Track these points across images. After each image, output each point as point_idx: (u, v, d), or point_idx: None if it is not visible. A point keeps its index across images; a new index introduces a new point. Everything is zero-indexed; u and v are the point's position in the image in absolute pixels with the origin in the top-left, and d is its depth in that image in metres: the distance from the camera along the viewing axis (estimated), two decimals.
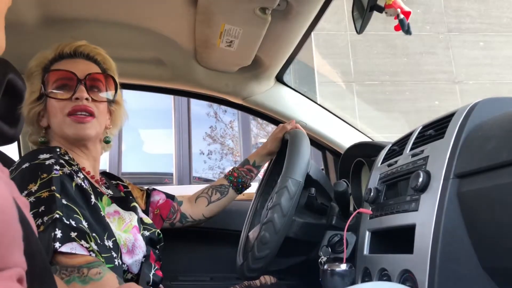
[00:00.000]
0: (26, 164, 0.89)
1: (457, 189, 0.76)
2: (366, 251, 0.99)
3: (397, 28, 1.04)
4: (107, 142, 1.12)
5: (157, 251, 1.07)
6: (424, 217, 0.79)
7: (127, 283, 0.83)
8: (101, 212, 0.92)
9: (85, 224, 0.85)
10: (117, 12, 1.24)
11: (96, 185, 1.03)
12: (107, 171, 1.25)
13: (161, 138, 5.49)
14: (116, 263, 0.89)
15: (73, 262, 0.80)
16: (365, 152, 1.32)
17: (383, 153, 1.12)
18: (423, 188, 0.81)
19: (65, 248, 0.80)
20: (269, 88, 1.56)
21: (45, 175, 0.87)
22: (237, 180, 1.34)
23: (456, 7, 5.67)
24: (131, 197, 1.13)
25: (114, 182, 1.16)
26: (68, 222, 0.82)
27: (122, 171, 5.01)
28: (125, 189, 1.17)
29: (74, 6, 1.20)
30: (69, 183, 0.88)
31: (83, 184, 0.91)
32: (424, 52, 5.50)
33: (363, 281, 0.97)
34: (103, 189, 1.05)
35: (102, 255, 0.86)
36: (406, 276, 0.81)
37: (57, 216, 0.81)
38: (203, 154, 5.50)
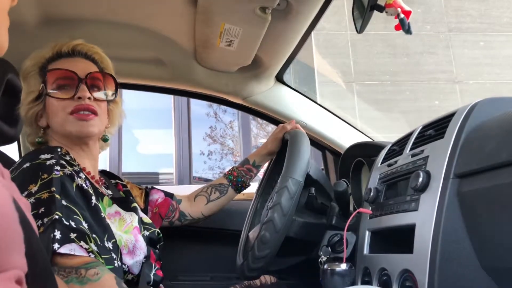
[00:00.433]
0: (27, 164, 0.89)
1: (457, 189, 0.76)
2: (366, 251, 1.00)
3: (397, 28, 1.04)
4: (105, 140, 1.12)
5: (157, 250, 1.07)
6: (424, 217, 0.79)
7: None
8: (102, 213, 0.92)
9: (85, 225, 0.85)
10: (117, 12, 1.24)
11: (97, 185, 1.03)
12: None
13: (161, 138, 5.49)
14: (116, 264, 0.88)
15: (71, 263, 0.80)
16: (365, 152, 1.32)
17: (383, 153, 1.12)
18: (423, 188, 0.81)
19: (64, 249, 0.79)
20: (269, 88, 1.56)
21: (45, 175, 0.86)
22: (236, 180, 1.34)
23: (456, 7, 5.67)
24: (131, 198, 1.12)
25: (113, 181, 1.16)
26: (67, 223, 0.82)
27: (122, 171, 5.01)
28: (124, 188, 1.17)
29: (74, 6, 1.20)
30: (70, 184, 0.88)
31: (83, 185, 0.91)
32: (424, 52, 5.50)
33: (363, 281, 0.97)
34: (103, 190, 1.05)
35: (102, 256, 0.85)
36: (406, 276, 0.81)
37: (57, 217, 0.81)
38: (203, 154, 5.50)
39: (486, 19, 5.64)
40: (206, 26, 1.18)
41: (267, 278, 1.32)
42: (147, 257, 1.00)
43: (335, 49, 5.39)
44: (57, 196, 0.84)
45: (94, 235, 0.85)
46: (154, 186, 1.31)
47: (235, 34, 1.18)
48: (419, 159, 0.88)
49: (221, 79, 1.50)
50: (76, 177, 0.90)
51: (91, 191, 0.93)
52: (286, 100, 1.59)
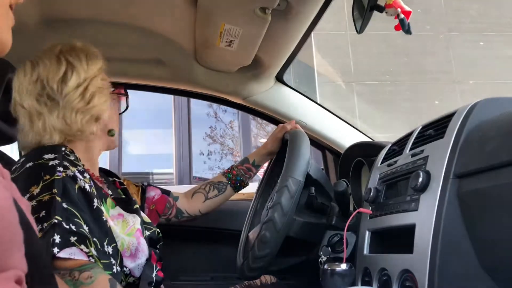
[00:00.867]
0: (30, 164, 0.88)
1: (456, 189, 0.76)
2: (366, 251, 1.00)
3: (397, 28, 1.04)
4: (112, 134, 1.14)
5: (157, 251, 1.07)
6: (424, 217, 0.79)
7: None
8: (103, 217, 0.90)
9: (85, 228, 0.84)
10: (117, 12, 1.24)
11: (100, 184, 1.02)
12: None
13: (161, 138, 5.50)
14: (115, 270, 0.87)
15: (66, 265, 0.79)
16: (365, 152, 1.32)
17: (383, 153, 1.12)
18: (423, 188, 0.81)
19: (64, 253, 0.78)
20: (269, 88, 1.56)
21: (47, 176, 0.85)
22: (235, 178, 1.34)
23: (456, 7, 5.67)
24: (133, 199, 1.12)
25: (110, 179, 1.16)
26: (68, 227, 0.81)
27: (122, 171, 5.01)
28: (121, 186, 1.16)
29: (74, 6, 1.20)
30: (72, 186, 0.87)
31: (86, 186, 0.90)
32: (424, 52, 5.50)
33: (363, 281, 0.97)
34: (106, 189, 1.04)
35: (101, 261, 0.84)
36: (406, 276, 0.81)
37: (56, 221, 0.80)
38: (203, 154, 5.50)
39: (486, 19, 5.64)
40: (206, 26, 1.18)
41: (267, 278, 1.32)
42: (148, 258, 1.00)
43: (335, 49, 5.39)
44: (58, 198, 0.83)
45: (94, 239, 0.85)
46: (150, 183, 1.31)
47: (235, 34, 1.18)
48: (419, 159, 0.88)
49: (221, 79, 1.50)
50: (79, 179, 0.89)
51: (95, 192, 0.92)
52: (286, 100, 1.59)
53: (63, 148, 0.92)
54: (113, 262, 0.88)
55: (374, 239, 1.00)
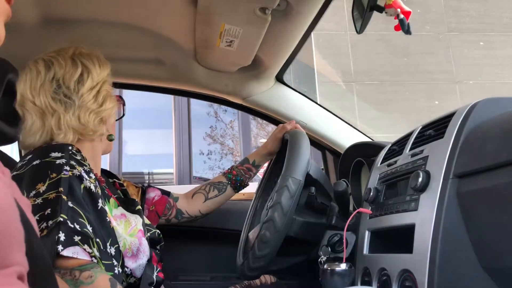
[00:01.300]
0: (37, 161, 0.88)
1: (456, 189, 0.76)
2: (365, 250, 1.00)
3: (397, 28, 1.04)
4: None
5: (158, 251, 1.07)
6: (424, 217, 0.79)
7: None
8: (107, 217, 0.91)
9: (89, 228, 0.84)
10: (117, 12, 1.24)
11: (103, 184, 1.03)
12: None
13: (161, 138, 5.50)
14: (116, 271, 0.88)
15: (66, 264, 0.80)
16: (365, 152, 1.32)
17: (382, 153, 1.12)
18: (423, 188, 0.81)
19: (67, 252, 0.79)
20: (269, 88, 1.56)
21: (54, 174, 0.86)
22: (235, 178, 1.34)
23: (456, 7, 5.67)
24: (136, 200, 1.12)
25: (110, 180, 1.16)
26: (72, 226, 0.81)
27: (122, 171, 5.02)
28: (121, 187, 1.17)
29: (74, 6, 1.20)
30: (78, 185, 0.87)
31: (91, 186, 0.90)
32: (424, 52, 5.50)
33: (362, 281, 0.97)
34: (109, 190, 1.05)
35: (103, 262, 0.85)
36: (406, 276, 0.81)
37: (61, 219, 0.80)
38: (203, 154, 5.50)
39: (486, 19, 5.65)
40: (206, 26, 1.18)
41: (267, 278, 1.32)
42: (149, 259, 1.00)
43: (335, 49, 5.39)
44: (64, 197, 0.83)
45: (97, 240, 0.85)
46: (151, 184, 1.31)
47: (235, 35, 1.18)
48: (418, 159, 0.88)
49: (221, 79, 1.50)
50: (84, 179, 0.89)
51: (99, 193, 0.92)
52: (286, 100, 1.59)
53: (70, 147, 0.92)
54: (115, 263, 0.88)
55: (374, 239, 1.00)
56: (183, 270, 1.59)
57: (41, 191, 0.84)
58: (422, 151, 0.89)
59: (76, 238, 0.81)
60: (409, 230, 0.82)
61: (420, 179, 0.81)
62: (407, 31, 1.03)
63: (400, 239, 0.85)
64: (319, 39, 5.31)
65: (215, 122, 5.67)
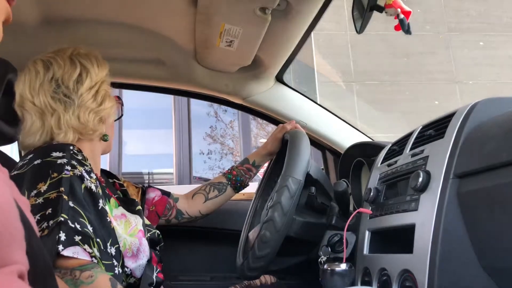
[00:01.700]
0: (38, 161, 0.88)
1: (456, 189, 0.76)
2: (366, 250, 1.00)
3: (397, 28, 1.04)
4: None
5: (157, 252, 1.07)
6: (424, 217, 0.79)
7: None
8: (108, 218, 0.91)
9: (90, 228, 0.84)
10: (117, 12, 1.24)
11: (104, 184, 1.03)
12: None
13: (161, 138, 5.50)
14: (116, 271, 0.88)
15: (67, 264, 0.80)
16: (365, 152, 1.32)
17: (383, 153, 1.12)
18: (423, 188, 0.81)
19: (68, 251, 0.79)
20: (269, 88, 1.56)
21: (55, 174, 0.86)
22: (235, 179, 1.34)
23: (456, 7, 5.67)
24: (136, 201, 1.12)
25: (110, 180, 1.16)
26: (73, 226, 0.81)
27: (122, 171, 5.02)
28: (121, 188, 1.17)
29: (74, 6, 1.20)
30: (79, 185, 0.87)
31: (92, 186, 0.90)
32: (424, 52, 5.50)
33: (363, 281, 0.97)
34: (109, 190, 1.05)
35: (104, 262, 0.85)
36: (406, 276, 0.81)
37: (62, 219, 0.80)
38: (203, 154, 5.50)
39: (486, 19, 5.65)
40: (206, 26, 1.18)
41: (267, 278, 1.32)
42: (149, 260, 1.00)
43: (335, 49, 5.39)
44: (65, 196, 0.83)
45: (98, 240, 0.85)
46: (151, 185, 1.31)
47: (235, 34, 1.18)
48: (419, 159, 0.88)
49: (221, 79, 1.50)
50: (85, 179, 0.89)
51: (100, 193, 0.92)
52: (286, 100, 1.59)
53: (71, 147, 0.92)
54: (115, 263, 0.88)
55: (374, 239, 1.00)
56: (183, 270, 1.59)
57: (42, 191, 0.84)
58: (422, 151, 0.89)
59: (77, 238, 0.81)
60: (409, 230, 0.82)
61: (420, 179, 0.81)
62: (407, 31, 1.03)
63: (400, 239, 0.85)
64: (319, 39, 5.31)
65: (215, 122, 5.67)
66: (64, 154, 0.90)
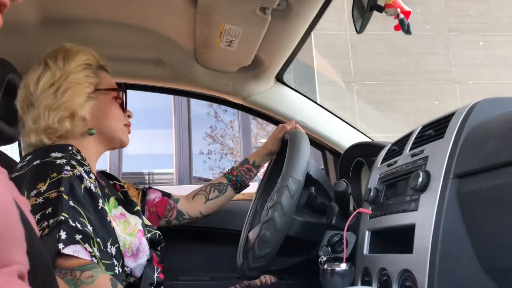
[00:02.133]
0: (37, 161, 0.88)
1: (456, 189, 0.76)
2: (366, 250, 1.00)
3: (397, 28, 1.04)
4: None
5: (158, 252, 1.07)
6: (424, 217, 0.79)
7: None
8: (107, 218, 0.91)
9: (90, 228, 0.84)
10: (117, 12, 1.24)
11: (104, 184, 1.03)
12: (108, 171, 1.24)
13: (161, 138, 5.50)
14: (116, 271, 0.88)
15: (67, 264, 0.80)
16: (365, 152, 1.32)
17: (383, 153, 1.12)
18: (423, 188, 0.81)
19: (68, 250, 0.79)
20: (269, 88, 1.56)
21: (55, 174, 0.86)
22: (236, 179, 1.34)
23: (456, 7, 5.67)
24: (135, 201, 1.12)
25: (111, 182, 1.16)
26: (74, 225, 0.81)
27: (122, 171, 5.02)
28: (122, 189, 1.17)
29: (74, 6, 1.20)
30: (78, 185, 0.87)
31: (92, 187, 0.90)
32: (424, 52, 5.50)
33: (363, 281, 0.97)
34: (108, 190, 1.05)
35: (104, 261, 0.85)
36: (406, 276, 0.81)
37: (62, 218, 0.80)
38: (203, 154, 5.50)
39: (486, 19, 5.65)
40: (206, 26, 1.18)
41: (267, 278, 1.32)
42: (149, 259, 1.00)
43: (335, 49, 5.39)
44: (65, 196, 0.83)
45: (98, 239, 0.85)
46: (151, 186, 1.31)
47: (235, 34, 1.18)
48: (419, 159, 0.88)
49: (221, 79, 1.50)
50: (85, 179, 0.89)
51: (99, 193, 0.92)
52: (286, 100, 1.59)
53: (70, 148, 0.92)
54: (115, 263, 0.88)
55: (374, 239, 1.00)
56: (183, 270, 1.59)
57: (42, 191, 0.84)
58: (422, 151, 0.89)
59: (77, 237, 0.81)
60: (409, 230, 0.82)
61: (420, 179, 0.81)
62: (407, 31, 1.03)
63: (400, 239, 0.85)
64: (319, 39, 5.31)
65: (215, 122, 5.67)
66: (63, 154, 0.90)
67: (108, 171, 1.24)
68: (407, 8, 1.03)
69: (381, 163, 1.08)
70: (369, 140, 1.59)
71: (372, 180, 1.07)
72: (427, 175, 0.81)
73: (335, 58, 5.42)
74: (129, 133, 1.13)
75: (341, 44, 5.38)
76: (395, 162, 0.99)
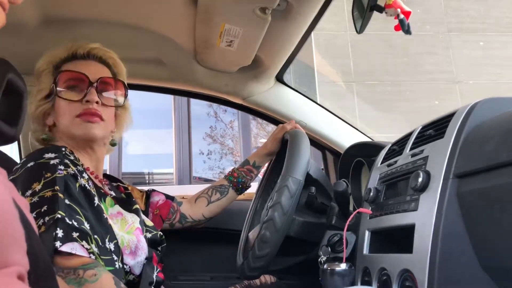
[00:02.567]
0: (31, 163, 0.89)
1: (456, 189, 0.76)
2: (365, 250, 1.00)
3: (397, 28, 1.04)
4: (113, 144, 1.13)
5: (159, 252, 1.08)
6: (424, 217, 0.79)
7: None
8: (104, 214, 0.91)
9: (87, 225, 0.85)
10: (117, 12, 1.24)
11: (100, 185, 1.03)
12: (108, 171, 1.25)
13: (161, 138, 5.50)
14: (117, 266, 0.88)
15: (69, 263, 0.80)
16: (365, 152, 1.32)
17: (383, 153, 1.12)
18: (423, 188, 0.81)
19: (66, 247, 0.79)
20: (269, 88, 1.56)
21: (49, 174, 0.86)
22: (237, 180, 1.34)
23: (456, 7, 5.67)
24: (133, 199, 1.12)
25: (114, 184, 1.17)
26: (70, 222, 0.82)
27: (122, 171, 5.02)
28: (125, 191, 1.17)
29: (74, 6, 1.21)
30: (73, 183, 0.88)
31: (86, 185, 0.91)
32: (424, 52, 5.51)
33: (362, 281, 0.97)
34: (106, 189, 1.05)
35: (103, 257, 0.85)
36: (406, 276, 0.81)
37: (59, 216, 0.81)
38: (203, 154, 5.50)
39: (486, 19, 5.65)
40: (206, 26, 1.19)
41: (267, 278, 1.32)
42: (149, 259, 1.00)
43: (335, 49, 5.40)
44: (60, 195, 0.84)
45: (95, 236, 0.85)
46: (155, 189, 1.31)
47: (235, 35, 1.18)
48: (419, 159, 0.88)
49: (221, 79, 1.50)
50: (79, 177, 0.90)
51: (94, 192, 0.93)
52: (286, 100, 1.59)
53: (64, 149, 0.94)
54: (115, 258, 0.89)
55: (374, 239, 1.00)
56: (183, 270, 1.59)
57: (37, 190, 0.84)
58: (422, 151, 0.89)
59: (75, 235, 0.81)
60: (409, 230, 0.82)
61: (420, 179, 0.81)
62: (407, 31, 1.03)
63: (400, 239, 0.85)
64: (319, 39, 5.31)
65: (215, 122, 5.68)
66: (57, 154, 0.91)
67: (108, 171, 1.24)
68: (407, 9, 1.03)
69: (381, 163, 1.08)
70: (369, 140, 1.59)
71: (372, 180, 1.07)
72: (427, 175, 0.81)
73: (335, 58, 5.42)
74: (89, 119, 1.00)
75: (341, 44, 5.38)
76: (395, 162, 0.99)
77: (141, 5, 1.20)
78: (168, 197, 1.29)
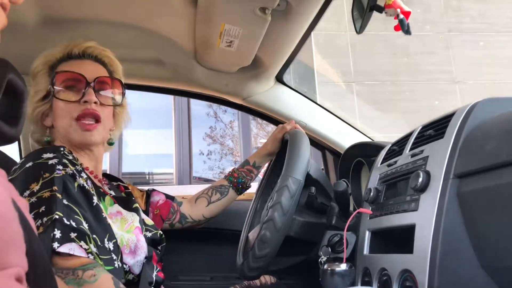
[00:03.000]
0: (30, 163, 0.89)
1: (456, 189, 0.76)
2: (366, 251, 1.00)
3: (397, 28, 1.04)
4: (110, 144, 1.12)
5: (159, 252, 1.07)
6: (424, 217, 0.79)
7: None
8: (103, 214, 0.91)
9: (85, 225, 0.85)
10: (117, 12, 1.24)
11: (99, 184, 1.03)
12: (108, 171, 1.25)
13: (161, 138, 5.49)
14: (116, 265, 0.88)
15: (68, 264, 0.80)
16: (365, 152, 1.32)
17: (383, 153, 1.12)
18: (423, 188, 0.81)
19: (64, 248, 0.79)
20: (269, 88, 1.56)
21: (47, 174, 0.86)
22: (237, 181, 1.34)
23: (456, 7, 5.67)
24: (133, 198, 1.12)
25: (114, 183, 1.17)
26: (68, 223, 0.82)
27: (122, 171, 5.01)
28: (125, 190, 1.17)
29: (74, 6, 1.21)
30: (71, 183, 0.88)
31: (85, 185, 0.91)
32: (424, 52, 5.50)
33: (363, 281, 0.97)
34: (106, 189, 1.05)
35: (102, 257, 0.85)
36: (406, 276, 0.81)
37: (57, 217, 0.81)
38: (203, 154, 5.50)
39: (486, 19, 5.65)
40: (206, 26, 1.19)
41: (267, 278, 1.32)
42: (148, 258, 1.00)
43: (335, 49, 5.39)
44: (59, 195, 0.84)
45: (94, 236, 0.85)
46: (155, 189, 1.31)
47: (235, 35, 1.18)
48: (419, 159, 0.88)
49: (221, 79, 1.50)
50: (77, 177, 0.90)
51: (92, 191, 0.92)
52: (286, 100, 1.59)
53: (62, 149, 0.94)
54: (114, 257, 0.89)
55: (374, 239, 1.00)
56: (183, 270, 1.59)
57: (35, 190, 0.84)
58: (422, 151, 0.89)
59: (72, 235, 0.81)
60: (409, 230, 0.82)
61: (420, 179, 0.81)
62: (407, 31, 1.03)
63: (401, 239, 0.85)
64: (319, 39, 5.31)
65: (215, 122, 5.67)
66: (55, 154, 0.91)
67: (108, 171, 1.24)
68: (407, 9, 1.02)
69: (381, 163, 1.08)
70: (369, 140, 1.59)
71: (372, 180, 1.07)
72: (427, 175, 0.81)
73: (335, 58, 5.42)
74: (87, 127, 0.99)
75: (341, 44, 5.38)
76: (395, 162, 0.99)
77: (141, 5, 1.20)
78: (168, 197, 1.29)
